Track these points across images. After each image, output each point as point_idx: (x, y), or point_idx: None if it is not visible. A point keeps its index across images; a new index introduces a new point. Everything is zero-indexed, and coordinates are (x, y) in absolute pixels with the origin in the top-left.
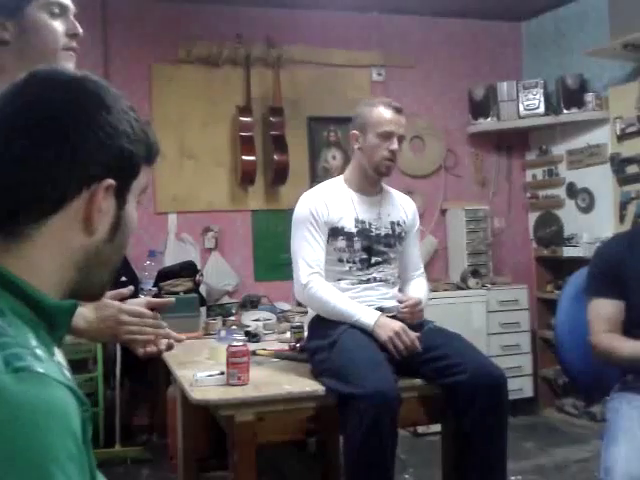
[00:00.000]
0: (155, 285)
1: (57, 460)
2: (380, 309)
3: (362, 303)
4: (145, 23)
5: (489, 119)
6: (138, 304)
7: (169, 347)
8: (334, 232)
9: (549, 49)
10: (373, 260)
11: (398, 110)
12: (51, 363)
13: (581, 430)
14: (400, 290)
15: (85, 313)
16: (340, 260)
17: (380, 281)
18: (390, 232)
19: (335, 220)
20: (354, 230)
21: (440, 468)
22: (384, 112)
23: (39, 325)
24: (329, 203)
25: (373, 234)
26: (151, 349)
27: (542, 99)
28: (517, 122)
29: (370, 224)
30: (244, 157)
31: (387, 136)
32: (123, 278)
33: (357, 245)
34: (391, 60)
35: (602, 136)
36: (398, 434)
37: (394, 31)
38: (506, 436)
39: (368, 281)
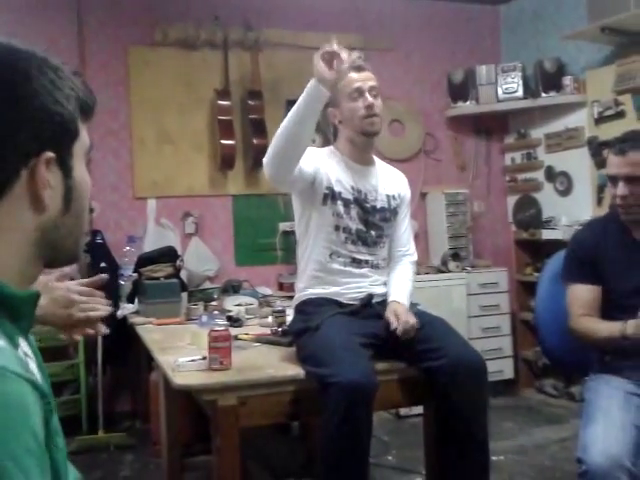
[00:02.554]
0: (135, 271)
1: (13, 455)
2: (370, 295)
3: (352, 288)
4: (121, 5)
5: (468, 102)
6: (80, 286)
7: (96, 332)
8: (333, 195)
9: (527, 32)
10: (368, 234)
11: (359, 68)
12: (11, 355)
13: (561, 410)
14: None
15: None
16: (337, 228)
17: (372, 267)
18: (386, 205)
19: (333, 181)
20: (350, 197)
21: (422, 449)
22: (347, 76)
23: (1, 315)
24: (326, 163)
25: (369, 205)
26: (88, 331)
27: (520, 82)
28: (496, 105)
29: (366, 195)
30: (223, 141)
31: (358, 93)
32: (103, 264)
33: (353, 212)
34: (370, 43)
35: (580, 119)
36: (373, 421)
37: (373, 14)
38: (486, 421)
39: (360, 263)
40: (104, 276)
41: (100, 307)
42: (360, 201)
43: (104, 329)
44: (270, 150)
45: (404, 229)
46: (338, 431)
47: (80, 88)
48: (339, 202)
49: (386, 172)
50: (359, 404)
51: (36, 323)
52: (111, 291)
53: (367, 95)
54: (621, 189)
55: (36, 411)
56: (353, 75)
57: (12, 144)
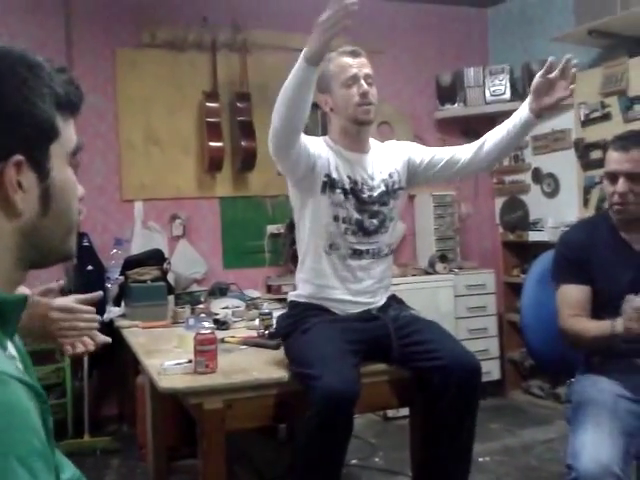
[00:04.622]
0: (122, 274)
1: (20, 456)
2: (368, 312)
3: (352, 296)
4: (108, 7)
5: (456, 105)
6: (67, 302)
7: (96, 346)
8: (332, 184)
9: (515, 35)
10: (367, 222)
11: (356, 53)
12: (4, 359)
13: (547, 411)
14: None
15: None
16: (336, 218)
17: (374, 256)
18: (384, 189)
19: (333, 170)
20: (348, 187)
21: (409, 451)
22: (342, 59)
23: None
24: (324, 150)
25: (365, 195)
26: (80, 349)
27: (508, 85)
28: (483, 108)
29: (362, 185)
30: (211, 143)
31: (352, 81)
32: (89, 267)
33: (351, 202)
34: (359, 45)
35: (567, 121)
36: (353, 427)
37: (361, 16)
38: (475, 423)
39: (360, 254)
40: (100, 293)
41: (81, 325)
42: (356, 191)
43: (100, 338)
44: (273, 124)
45: (440, 149)
46: (315, 435)
47: (61, 85)
48: (337, 191)
49: (381, 152)
50: (338, 411)
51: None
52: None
53: (362, 82)
54: (621, 186)
55: (35, 412)
56: (348, 60)
57: None
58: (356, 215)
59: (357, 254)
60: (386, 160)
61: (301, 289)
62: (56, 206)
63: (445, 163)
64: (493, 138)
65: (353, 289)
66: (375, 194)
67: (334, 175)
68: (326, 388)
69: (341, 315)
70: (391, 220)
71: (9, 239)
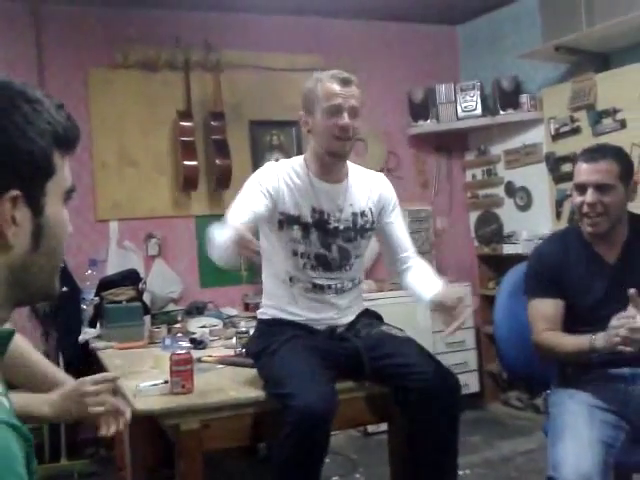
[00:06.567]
0: (97, 295)
1: None
2: (333, 328)
3: (318, 320)
4: (81, 27)
5: (428, 121)
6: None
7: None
8: (289, 220)
9: (484, 51)
10: (330, 257)
11: (347, 81)
12: None
13: (526, 422)
14: (398, 281)
15: (47, 398)
16: (295, 253)
17: (336, 292)
18: (350, 225)
19: (290, 206)
20: (310, 220)
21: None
22: (330, 85)
23: None
24: (284, 185)
25: (331, 227)
26: (113, 428)
27: (479, 101)
28: (456, 123)
29: (329, 215)
30: (185, 162)
31: (335, 111)
32: (64, 288)
33: (313, 237)
34: (331, 63)
35: (537, 136)
36: (329, 442)
37: (333, 34)
38: (457, 439)
39: (322, 289)
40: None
41: (111, 399)
42: (322, 223)
43: (122, 425)
44: (211, 255)
45: (401, 232)
46: (292, 453)
47: (60, 122)
48: (296, 227)
49: (359, 185)
50: (315, 428)
51: (50, 422)
52: (73, 316)
53: (345, 115)
54: (590, 196)
55: (19, 455)
56: (336, 88)
57: None
58: (317, 250)
59: (318, 288)
60: (362, 195)
61: (265, 309)
62: (47, 243)
63: (386, 242)
64: (412, 284)
65: (315, 318)
66: (341, 227)
67: (292, 212)
68: (302, 406)
69: (308, 327)
70: (356, 257)
71: (1, 273)
